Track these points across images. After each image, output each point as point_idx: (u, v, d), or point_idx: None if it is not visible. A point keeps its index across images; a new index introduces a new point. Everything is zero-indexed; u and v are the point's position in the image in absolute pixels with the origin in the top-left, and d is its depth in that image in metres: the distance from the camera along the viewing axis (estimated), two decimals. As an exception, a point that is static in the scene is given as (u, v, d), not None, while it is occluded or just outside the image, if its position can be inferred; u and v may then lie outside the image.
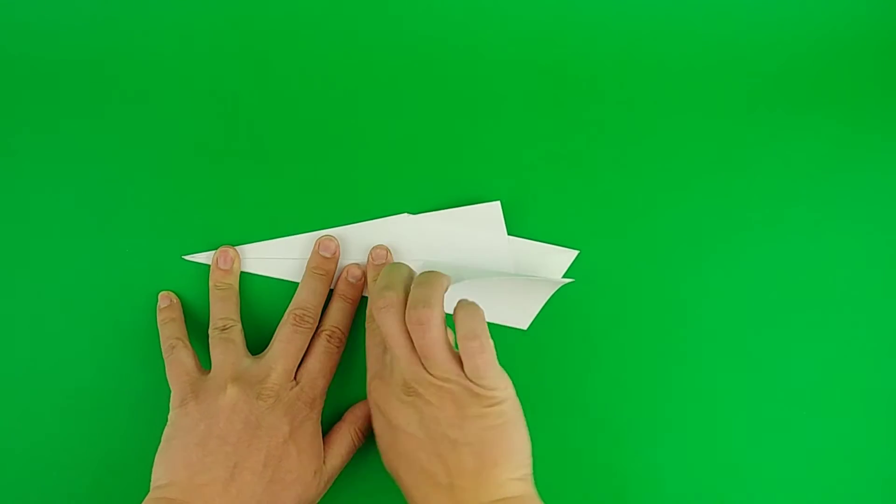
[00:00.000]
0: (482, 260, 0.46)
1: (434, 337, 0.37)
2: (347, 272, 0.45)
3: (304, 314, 0.43)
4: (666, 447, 0.45)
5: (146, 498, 0.38)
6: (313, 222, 0.46)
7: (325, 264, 0.45)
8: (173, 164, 0.46)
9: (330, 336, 0.43)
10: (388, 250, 0.45)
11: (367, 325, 0.44)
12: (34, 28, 0.47)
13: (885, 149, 0.47)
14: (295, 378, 0.42)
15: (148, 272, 0.46)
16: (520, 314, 0.46)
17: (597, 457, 0.45)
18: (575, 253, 0.46)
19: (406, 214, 0.46)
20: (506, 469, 0.37)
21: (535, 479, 0.38)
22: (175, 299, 0.45)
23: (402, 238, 0.46)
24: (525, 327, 0.46)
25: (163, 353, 0.43)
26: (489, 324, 0.45)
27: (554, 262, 0.46)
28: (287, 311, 0.44)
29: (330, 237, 0.45)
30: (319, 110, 0.47)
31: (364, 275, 0.46)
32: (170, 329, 0.43)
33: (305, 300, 0.44)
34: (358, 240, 0.46)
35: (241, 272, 0.46)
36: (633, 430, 0.45)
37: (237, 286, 0.45)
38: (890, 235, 0.47)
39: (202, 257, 0.46)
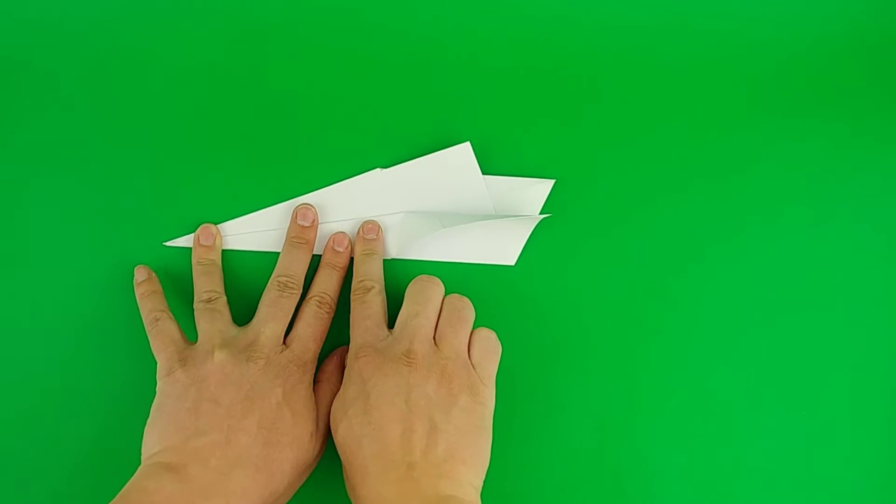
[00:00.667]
0: (461, 203, 0.46)
1: (467, 315, 0.42)
2: (334, 241, 0.45)
3: (287, 280, 0.43)
4: (663, 440, 0.45)
5: (139, 468, 0.37)
6: (287, 191, 0.46)
7: (304, 233, 0.45)
8: (144, 153, 0.46)
9: (320, 302, 0.43)
10: (379, 226, 0.45)
11: (356, 297, 0.43)
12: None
13: (883, 149, 0.47)
14: (285, 343, 0.41)
15: (127, 262, 0.45)
16: (505, 251, 0.46)
17: (588, 397, 0.45)
18: (551, 182, 0.46)
19: (378, 169, 0.46)
20: (470, 471, 0.37)
21: (523, 414, 0.41)
22: (152, 273, 0.44)
23: (378, 194, 0.46)
24: (513, 263, 0.46)
25: (146, 327, 0.42)
26: (478, 264, 0.46)
27: (532, 194, 0.46)
28: (270, 279, 0.43)
29: (307, 206, 0.45)
30: (276, 80, 0.47)
31: (351, 243, 0.45)
32: (151, 302, 0.43)
33: (287, 267, 0.43)
34: (334, 202, 0.46)
35: (224, 250, 0.46)
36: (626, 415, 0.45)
37: (220, 262, 0.45)
38: (889, 235, 0.47)
39: (183, 241, 0.46)
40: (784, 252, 0.46)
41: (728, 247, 0.46)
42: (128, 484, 0.36)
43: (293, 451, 0.38)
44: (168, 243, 0.46)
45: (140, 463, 0.38)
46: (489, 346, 0.41)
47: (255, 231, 0.46)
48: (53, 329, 0.45)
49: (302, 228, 0.45)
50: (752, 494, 0.44)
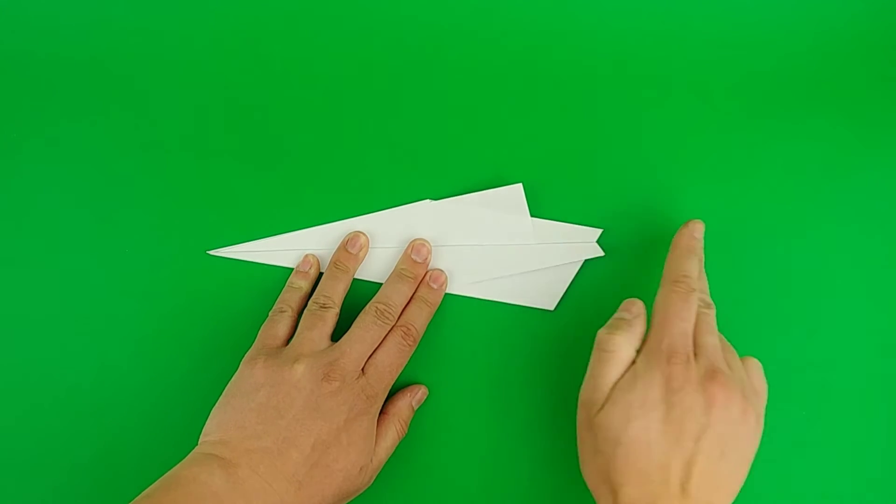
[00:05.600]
0: (506, 243, 0.46)
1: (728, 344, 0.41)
2: (431, 276, 0.45)
3: (385, 309, 0.43)
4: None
5: (195, 450, 0.38)
6: (334, 212, 0.46)
7: (414, 269, 0.45)
8: (201, 161, 0.47)
9: (405, 332, 0.43)
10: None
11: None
12: (34, 27, 0.49)
13: (883, 150, 0.47)
14: (363, 370, 0.41)
15: (170, 268, 0.46)
16: (546, 295, 0.46)
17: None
18: (598, 231, 0.46)
19: (428, 201, 0.46)
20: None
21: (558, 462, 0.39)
22: (314, 269, 0.45)
23: (425, 224, 0.46)
24: (552, 308, 0.46)
25: (271, 310, 0.44)
26: (516, 305, 0.46)
27: (578, 241, 0.46)
28: (370, 302, 0.43)
29: (423, 240, 0.45)
30: (334, 101, 0.48)
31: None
32: (290, 295, 0.45)
33: (388, 296, 0.43)
34: (381, 228, 0.46)
35: (266, 265, 0.46)
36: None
37: (353, 273, 0.45)
38: (889, 235, 0.46)
39: (225, 251, 0.46)
40: (785, 248, 0.46)
41: (728, 247, 0.46)
42: (179, 466, 0.37)
43: (339, 479, 0.39)
44: (212, 252, 0.46)
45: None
46: (763, 378, 0.40)
47: (298, 249, 0.46)
48: (86, 332, 0.46)
49: (414, 263, 0.45)
50: (751, 494, 0.43)
